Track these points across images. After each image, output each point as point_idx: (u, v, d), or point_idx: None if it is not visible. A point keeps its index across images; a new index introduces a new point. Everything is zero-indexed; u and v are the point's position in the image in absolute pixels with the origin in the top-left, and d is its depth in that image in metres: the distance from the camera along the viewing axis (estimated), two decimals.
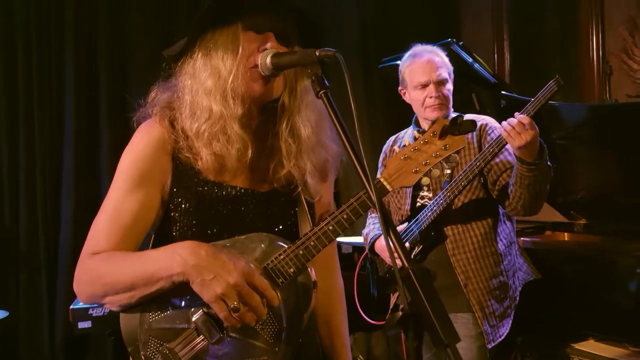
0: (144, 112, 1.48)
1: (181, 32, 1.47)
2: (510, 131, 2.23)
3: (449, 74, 2.61)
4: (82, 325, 3.01)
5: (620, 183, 3.32)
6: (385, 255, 2.70)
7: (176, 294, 1.32)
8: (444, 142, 1.34)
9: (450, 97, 2.59)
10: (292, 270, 1.33)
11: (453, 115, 2.65)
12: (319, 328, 1.64)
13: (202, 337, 1.33)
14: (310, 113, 1.46)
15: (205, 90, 1.38)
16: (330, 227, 1.34)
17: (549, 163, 2.32)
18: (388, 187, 1.36)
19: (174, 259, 1.26)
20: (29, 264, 3.83)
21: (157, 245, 1.39)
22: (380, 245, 2.72)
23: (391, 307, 2.80)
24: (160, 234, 1.46)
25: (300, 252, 1.34)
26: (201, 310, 1.32)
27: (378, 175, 1.39)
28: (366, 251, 2.90)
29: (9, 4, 3.84)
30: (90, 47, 4.02)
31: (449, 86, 2.59)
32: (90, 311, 3.03)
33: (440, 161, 1.35)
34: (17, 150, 3.85)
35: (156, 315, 1.35)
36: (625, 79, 4.11)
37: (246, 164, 1.44)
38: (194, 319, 1.32)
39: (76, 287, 1.37)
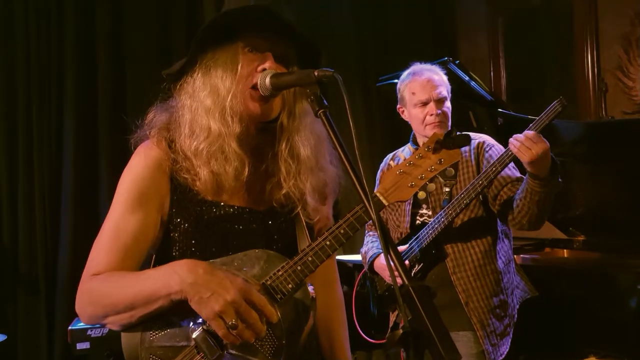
0: (142, 133, 1.49)
1: (179, 53, 1.49)
2: (520, 147, 2.23)
3: (448, 92, 2.63)
4: (80, 346, 2.99)
5: (618, 199, 3.33)
6: (384, 274, 2.69)
7: (176, 312, 1.33)
8: (438, 156, 1.36)
9: (450, 115, 2.60)
10: (290, 286, 1.34)
11: None
12: (320, 339, 1.64)
13: (202, 354, 1.32)
14: (309, 135, 1.48)
15: (205, 108, 1.40)
16: (328, 242, 1.35)
17: (560, 179, 2.32)
18: (384, 201, 1.37)
19: (172, 278, 1.27)
20: (28, 286, 3.82)
21: (157, 265, 1.40)
22: (380, 264, 2.71)
23: (391, 325, 2.79)
24: (160, 254, 1.48)
25: (299, 267, 1.35)
26: (201, 328, 1.32)
27: (374, 190, 1.40)
28: (365, 269, 2.89)
29: (8, 15, 3.87)
30: (89, 67, 4.04)
31: (448, 104, 2.61)
32: (89, 332, 3.01)
33: (436, 175, 1.37)
34: (15, 172, 3.85)
35: (157, 334, 1.36)
36: (621, 96, 4.13)
37: (243, 183, 1.45)
38: (193, 337, 1.32)
39: (78, 308, 1.39)
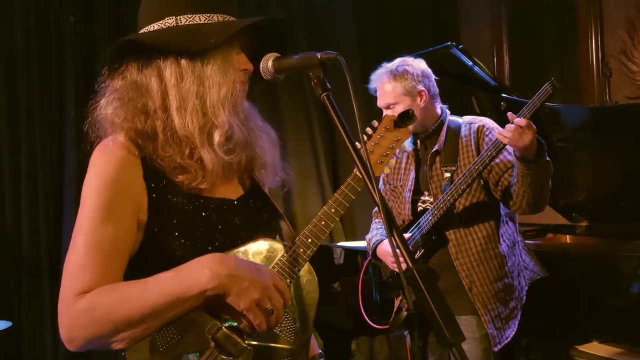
0: (99, 131, 1.41)
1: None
2: (511, 136, 2.24)
3: (401, 94, 2.59)
4: None
5: (621, 184, 3.32)
6: (387, 260, 2.70)
7: (183, 317, 1.27)
8: (395, 134, 1.53)
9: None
10: (297, 269, 1.38)
11: (452, 117, 2.68)
12: None
13: (225, 352, 1.28)
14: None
15: (221, 99, 1.35)
16: (323, 223, 1.43)
17: (547, 159, 2.34)
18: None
19: (202, 274, 1.23)
20: (32, 273, 3.83)
21: (139, 270, 1.30)
22: (382, 250, 2.72)
23: (395, 310, 2.80)
24: (141, 256, 1.36)
25: (301, 250, 1.39)
26: (218, 326, 1.28)
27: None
28: (369, 256, 2.90)
29: (8, 15, 3.85)
30: (90, 58, 4.02)
31: (400, 108, 2.57)
32: None
33: (394, 152, 1.54)
34: (18, 159, 3.85)
35: (166, 344, 1.27)
36: (625, 80, 4.11)
37: (222, 173, 1.41)
38: (214, 336, 1.27)
39: (69, 333, 1.23)
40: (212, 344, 1.28)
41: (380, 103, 2.67)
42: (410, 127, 2.51)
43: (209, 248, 1.35)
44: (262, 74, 1.37)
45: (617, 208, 3.36)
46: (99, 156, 1.35)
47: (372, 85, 2.70)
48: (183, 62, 1.35)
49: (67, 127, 3.94)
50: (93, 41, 4.05)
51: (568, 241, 3.66)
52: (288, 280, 1.37)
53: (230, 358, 1.29)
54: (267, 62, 1.35)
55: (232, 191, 1.48)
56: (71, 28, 3.96)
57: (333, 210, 1.43)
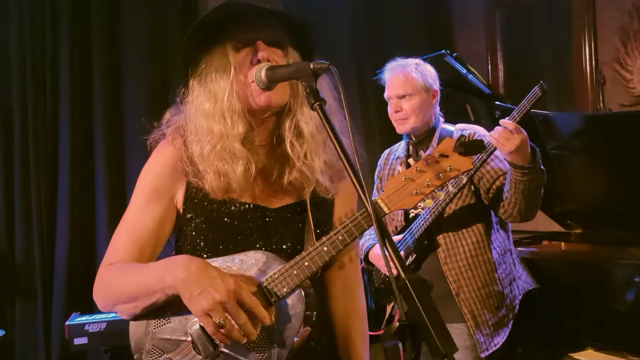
0: (159, 133, 1.53)
1: (175, 51, 1.49)
2: (498, 138, 2.26)
3: (418, 89, 2.59)
4: (78, 341, 2.98)
5: (616, 191, 3.32)
6: (380, 264, 2.70)
7: (177, 306, 1.34)
8: (448, 163, 1.28)
9: (419, 111, 2.59)
10: (285, 290, 1.34)
11: (444, 125, 2.68)
12: (338, 347, 1.62)
13: (197, 351, 1.34)
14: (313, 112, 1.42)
15: (204, 113, 1.41)
16: (325, 248, 1.35)
17: (542, 167, 2.34)
18: (385, 209, 1.33)
19: (167, 273, 1.30)
20: (25, 282, 3.81)
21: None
22: (374, 254, 2.73)
23: (386, 317, 2.79)
24: (177, 246, 1.54)
25: (294, 272, 1.34)
26: (198, 325, 1.33)
27: (376, 196, 1.39)
28: (362, 264, 2.89)
29: (2, 17, 3.85)
30: (85, 66, 4.01)
31: (415, 100, 2.58)
32: (86, 327, 3.00)
33: (445, 183, 1.29)
34: (12, 171, 3.82)
35: (159, 326, 1.40)
36: (619, 88, 4.12)
37: (255, 179, 1.46)
38: (190, 332, 1.35)
39: (94, 295, 1.47)
40: (190, 338, 1.35)
41: (393, 92, 2.62)
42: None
43: (217, 248, 1.44)
44: (257, 84, 1.37)
45: (612, 215, 3.36)
46: (154, 152, 1.53)
47: (388, 74, 2.66)
48: (188, 89, 1.47)
49: (60, 137, 3.91)
50: (88, 46, 4.04)
51: (563, 248, 3.66)
52: (273, 299, 1.33)
53: (200, 357, 1.34)
54: (260, 72, 1.35)
55: (267, 199, 1.49)
56: (66, 34, 3.95)
57: (340, 238, 1.34)
